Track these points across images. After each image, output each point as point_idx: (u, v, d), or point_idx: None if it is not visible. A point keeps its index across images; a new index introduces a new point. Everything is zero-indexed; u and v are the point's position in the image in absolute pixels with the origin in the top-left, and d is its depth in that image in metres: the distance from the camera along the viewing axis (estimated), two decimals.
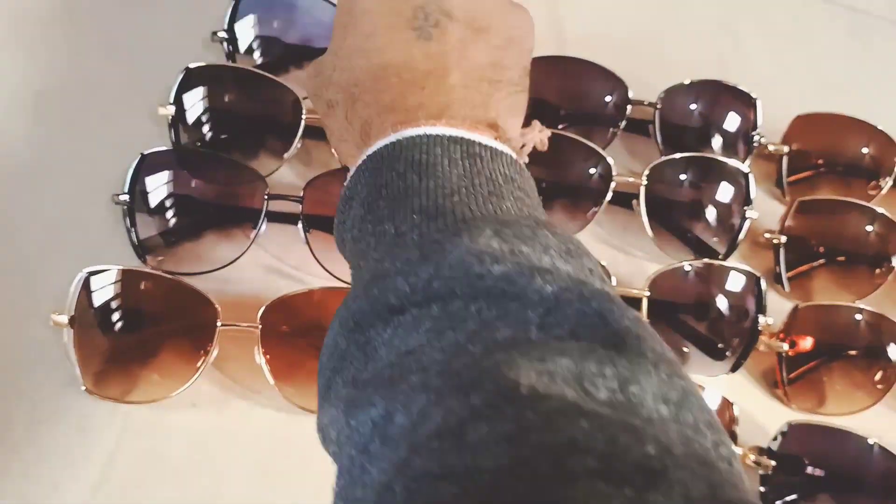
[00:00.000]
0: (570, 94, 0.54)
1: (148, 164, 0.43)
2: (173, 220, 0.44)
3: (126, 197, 0.43)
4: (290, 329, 0.42)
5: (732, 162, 0.50)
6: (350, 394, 0.26)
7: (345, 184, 0.34)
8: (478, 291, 0.25)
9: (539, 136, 0.39)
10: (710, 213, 0.50)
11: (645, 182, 0.49)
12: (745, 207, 0.50)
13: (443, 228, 0.28)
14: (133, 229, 0.43)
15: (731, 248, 0.50)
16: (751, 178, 0.50)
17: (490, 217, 0.28)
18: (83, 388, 0.40)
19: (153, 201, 0.43)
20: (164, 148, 0.44)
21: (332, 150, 0.41)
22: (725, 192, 0.50)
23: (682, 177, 0.51)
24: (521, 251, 0.26)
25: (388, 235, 0.29)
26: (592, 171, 0.49)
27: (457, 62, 0.34)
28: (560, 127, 0.53)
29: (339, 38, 0.37)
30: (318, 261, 0.45)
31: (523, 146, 0.38)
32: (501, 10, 0.37)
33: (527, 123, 0.39)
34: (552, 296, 0.24)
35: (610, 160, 0.48)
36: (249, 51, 0.50)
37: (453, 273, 0.25)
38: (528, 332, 0.24)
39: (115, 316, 0.41)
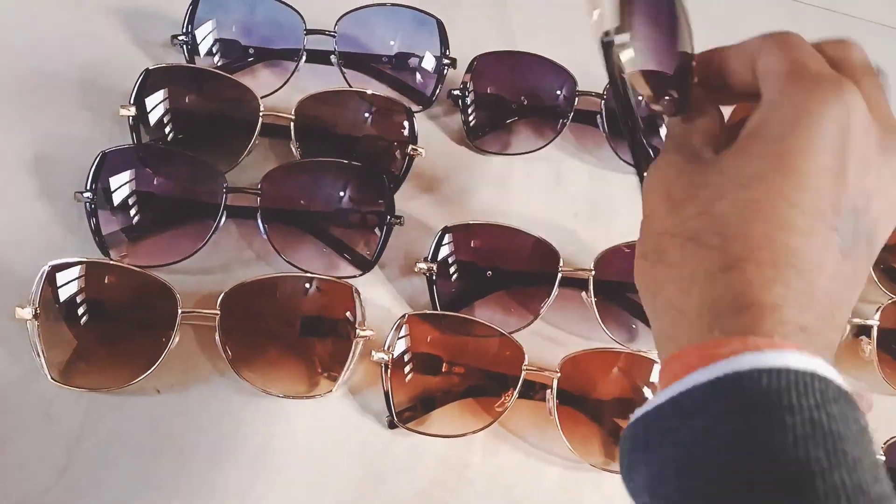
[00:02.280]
0: (522, 88, 0.56)
1: (108, 162, 0.45)
2: (134, 216, 0.45)
3: (88, 194, 0.44)
4: (249, 315, 0.44)
5: None
6: None
7: (677, 390, 0.24)
8: None
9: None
10: None
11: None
12: None
13: None
14: (95, 225, 0.45)
15: None
16: None
17: None
18: (49, 377, 0.41)
19: (114, 198, 0.45)
20: (123, 145, 0.46)
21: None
22: None
23: None
24: None
25: None
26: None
27: (854, 295, 0.28)
28: (509, 121, 0.55)
29: (751, 176, 0.27)
30: (276, 251, 0.47)
31: None
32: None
33: None
34: None
35: None
36: (209, 53, 0.52)
37: None
38: None
39: (79, 308, 0.42)
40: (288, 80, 0.52)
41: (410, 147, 0.51)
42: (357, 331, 0.44)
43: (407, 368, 0.45)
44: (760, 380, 0.22)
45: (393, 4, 0.54)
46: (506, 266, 0.49)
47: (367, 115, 0.51)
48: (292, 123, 0.49)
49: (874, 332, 0.51)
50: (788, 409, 0.22)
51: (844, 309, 0.27)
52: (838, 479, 0.21)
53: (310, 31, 0.52)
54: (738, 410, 0.22)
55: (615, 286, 0.49)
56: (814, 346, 0.24)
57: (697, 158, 0.29)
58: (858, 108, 0.27)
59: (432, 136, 0.54)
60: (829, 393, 0.22)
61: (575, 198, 0.55)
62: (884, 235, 0.28)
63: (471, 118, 0.55)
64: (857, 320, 0.51)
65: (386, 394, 0.44)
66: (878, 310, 0.51)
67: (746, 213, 0.26)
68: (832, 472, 0.21)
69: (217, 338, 0.43)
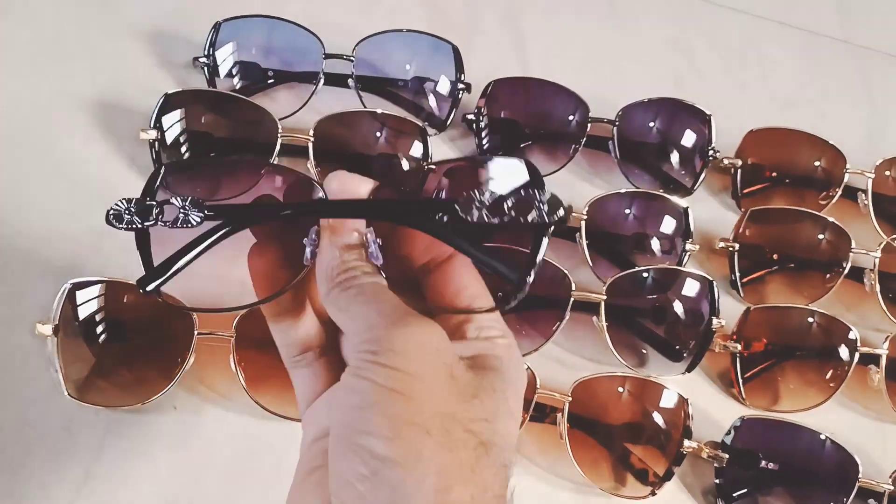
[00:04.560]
0: (535, 114, 0.57)
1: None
2: None
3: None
4: (264, 338, 0.44)
5: (673, 198, 0.53)
6: None
7: None
8: None
9: None
10: (653, 246, 0.53)
11: (585, 217, 0.52)
12: (686, 241, 0.53)
13: None
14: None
15: None
16: (690, 213, 0.53)
17: None
18: (66, 394, 0.42)
19: None
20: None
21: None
22: (666, 225, 0.53)
23: (624, 211, 0.53)
24: None
25: None
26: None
27: None
28: (523, 145, 0.56)
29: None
30: None
31: None
32: None
33: None
34: None
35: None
36: (229, 75, 0.53)
37: None
38: None
39: (98, 326, 0.43)
40: (306, 102, 0.53)
41: (426, 165, 0.51)
42: None
43: None
44: None
45: (410, 31, 0.55)
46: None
47: (382, 134, 0.52)
48: (311, 144, 0.50)
49: (882, 361, 0.51)
50: None
51: None
52: None
53: (328, 56, 0.53)
54: None
55: (626, 311, 0.50)
56: None
57: None
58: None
59: None
60: None
61: None
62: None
63: (484, 142, 0.55)
64: (865, 349, 0.51)
65: None
66: (886, 339, 0.52)
67: None
68: None
69: (232, 359, 0.43)
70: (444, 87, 0.56)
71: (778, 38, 0.68)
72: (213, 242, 0.26)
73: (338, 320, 0.26)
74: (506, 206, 0.25)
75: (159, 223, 0.26)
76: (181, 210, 0.26)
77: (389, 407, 0.23)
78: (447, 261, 0.29)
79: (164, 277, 0.26)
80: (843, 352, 0.51)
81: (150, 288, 0.26)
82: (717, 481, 0.47)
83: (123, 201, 0.26)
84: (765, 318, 0.52)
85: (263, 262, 0.28)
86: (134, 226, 0.26)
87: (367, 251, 0.27)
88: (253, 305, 0.28)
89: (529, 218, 0.25)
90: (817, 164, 0.59)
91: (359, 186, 0.28)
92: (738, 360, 0.51)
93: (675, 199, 0.53)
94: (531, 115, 0.57)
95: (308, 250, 0.27)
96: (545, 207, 0.25)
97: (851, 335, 0.51)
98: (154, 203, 0.26)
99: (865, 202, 0.58)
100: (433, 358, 0.24)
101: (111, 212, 0.26)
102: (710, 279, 0.50)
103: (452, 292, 0.28)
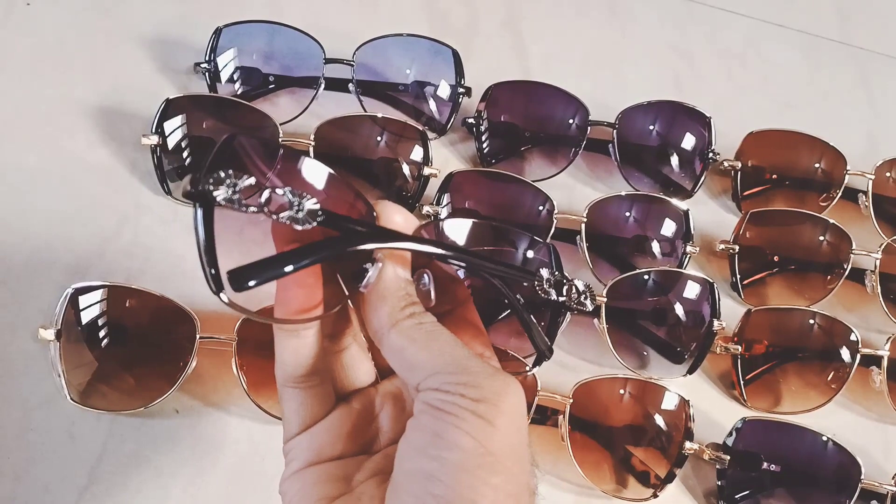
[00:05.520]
0: (535, 117, 0.57)
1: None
2: None
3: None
4: (265, 341, 0.44)
5: (674, 201, 0.54)
6: None
7: None
8: None
9: None
10: (653, 248, 0.53)
11: (585, 219, 0.52)
12: (687, 243, 0.53)
13: None
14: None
15: None
16: (690, 215, 0.53)
17: None
18: (68, 398, 0.42)
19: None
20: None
21: None
22: (666, 227, 0.53)
23: (624, 214, 0.53)
24: None
25: None
26: (540, 208, 0.52)
27: None
28: (523, 149, 0.56)
29: None
30: None
31: None
32: None
33: None
34: None
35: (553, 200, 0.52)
36: (230, 80, 0.53)
37: None
38: None
39: (100, 330, 0.43)
40: (307, 107, 0.53)
41: (426, 168, 0.52)
42: None
43: None
44: None
45: (410, 35, 0.55)
46: (519, 292, 0.50)
47: (382, 138, 0.52)
48: (311, 148, 0.50)
49: (884, 363, 0.51)
50: None
51: None
52: None
53: (329, 60, 0.53)
54: None
55: (627, 313, 0.50)
56: None
57: None
58: None
59: (447, 163, 0.55)
60: None
61: None
62: None
63: (485, 146, 0.56)
64: (867, 351, 0.51)
65: None
66: (888, 340, 0.52)
67: None
68: None
69: (234, 363, 0.43)
70: (444, 91, 0.56)
71: (778, 40, 0.68)
72: (332, 254, 0.23)
73: (405, 352, 0.25)
74: (565, 289, 0.28)
75: (264, 211, 0.21)
76: (296, 205, 0.22)
77: (492, 476, 0.23)
78: (462, 307, 0.29)
79: (264, 280, 0.21)
80: (845, 353, 0.51)
81: (241, 285, 0.21)
82: (719, 483, 0.47)
83: (231, 173, 0.21)
84: (766, 319, 0.52)
85: (305, 273, 0.25)
86: (235, 205, 0.21)
87: (421, 289, 0.27)
88: (309, 320, 0.26)
89: (572, 302, 0.29)
90: (817, 165, 0.59)
91: (395, 216, 0.27)
92: (739, 361, 0.51)
93: (675, 201, 0.53)
94: (531, 118, 0.57)
95: (371, 275, 0.26)
96: (587, 297, 0.29)
97: (853, 337, 0.51)
98: (262, 185, 0.21)
99: (866, 203, 0.58)
100: (520, 422, 0.24)
101: (210, 180, 0.21)
102: (711, 281, 0.50)
103: (469, 337, 0.29)
